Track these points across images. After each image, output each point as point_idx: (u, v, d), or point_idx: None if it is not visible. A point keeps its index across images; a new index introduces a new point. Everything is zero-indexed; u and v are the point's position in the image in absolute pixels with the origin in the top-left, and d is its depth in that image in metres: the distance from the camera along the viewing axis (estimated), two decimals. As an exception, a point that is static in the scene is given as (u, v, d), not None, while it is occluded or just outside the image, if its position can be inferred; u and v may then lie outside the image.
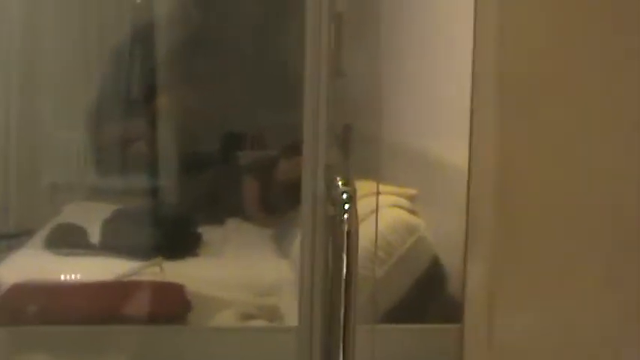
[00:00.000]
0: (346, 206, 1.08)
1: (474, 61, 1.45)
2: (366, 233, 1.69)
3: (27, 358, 1.94)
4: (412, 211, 2.42)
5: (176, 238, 3.01)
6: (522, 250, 1.54)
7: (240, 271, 2.95)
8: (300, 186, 2.93)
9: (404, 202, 2.42)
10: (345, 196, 1.09)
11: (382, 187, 2.43)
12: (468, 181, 1.55)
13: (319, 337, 1.23)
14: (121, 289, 2.67)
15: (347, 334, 1.13)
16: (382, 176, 2.48)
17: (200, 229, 3.07)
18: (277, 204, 3.12)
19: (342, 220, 1.08)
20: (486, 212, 1.49)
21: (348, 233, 1.07)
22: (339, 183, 1.11)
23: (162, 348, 2.00)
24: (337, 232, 1.08)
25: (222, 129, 3.36)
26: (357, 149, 1.70)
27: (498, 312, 1.49)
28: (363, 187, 1.72)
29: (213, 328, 2.49)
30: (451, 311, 1.99)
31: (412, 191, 2.44)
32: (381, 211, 2.38)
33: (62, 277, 2.74)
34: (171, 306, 2.62)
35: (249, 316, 2.63)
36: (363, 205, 1.71)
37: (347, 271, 1.08)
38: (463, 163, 1.61)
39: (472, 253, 1.52)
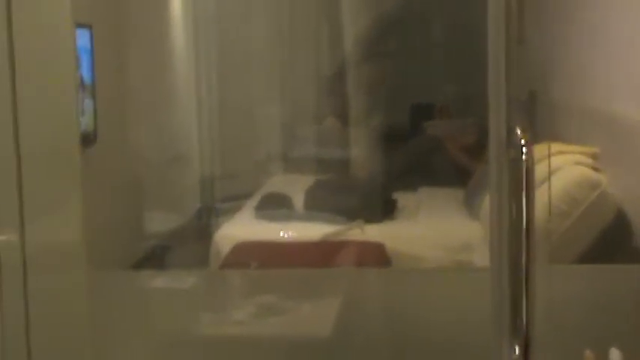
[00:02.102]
0: (524, 149, 1.28)
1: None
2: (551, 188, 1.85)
3: (256, 299, 2.23)
4: (595, 168, 2.54)
5: (374, 204, 3.25)
6: None
7: (434, 231, 3.15)
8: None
9: (587, 159, 2.54)
10: (523, 140, 1.28)
11: (566, 147, 2.56)
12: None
13: (507, 275, 1.33)
14: (328, 247, 2.94)
15: (529, 269, 1.27)
16: (566, 136, 2.60)
17: (395, 196, 3.31)
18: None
19: (521, 160, 1.27)
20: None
21: (527, 170, 1.26)
22: (518, 131, 1.30)
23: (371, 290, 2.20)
24: (517, 173, 1.27)
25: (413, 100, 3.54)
26: (542, 112, 1.77)
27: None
28: (543, 148, 1.86)
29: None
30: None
31: (594, 149, 2.56)
32: (566, 169, 2.52)
33: (275, 238, 3.04)
34: (374, 262, 2.86)
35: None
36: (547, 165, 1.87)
37: (527, 206, 1.26)
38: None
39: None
